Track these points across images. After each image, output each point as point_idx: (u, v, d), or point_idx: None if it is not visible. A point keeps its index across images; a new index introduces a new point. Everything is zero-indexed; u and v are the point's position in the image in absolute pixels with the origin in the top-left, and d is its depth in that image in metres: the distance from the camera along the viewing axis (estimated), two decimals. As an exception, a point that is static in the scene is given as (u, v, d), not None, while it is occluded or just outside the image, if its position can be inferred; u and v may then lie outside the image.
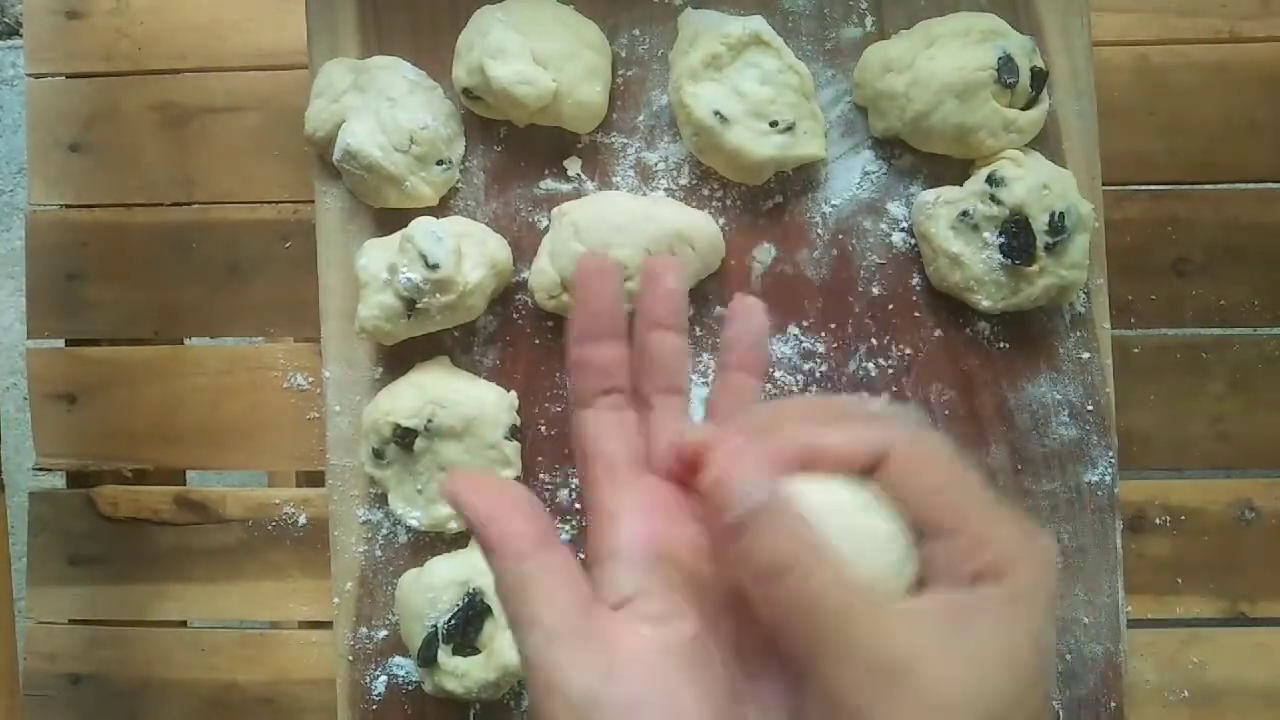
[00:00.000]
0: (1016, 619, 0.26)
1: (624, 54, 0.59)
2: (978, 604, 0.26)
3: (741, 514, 0.27)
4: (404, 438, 0.55)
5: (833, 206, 0.58)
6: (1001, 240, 0.54)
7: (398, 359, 0.58)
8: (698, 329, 0.58)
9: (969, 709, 0.25)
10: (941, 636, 0.26)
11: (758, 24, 0.55)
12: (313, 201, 0.60)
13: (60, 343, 0.70)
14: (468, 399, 0.55)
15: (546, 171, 0.59)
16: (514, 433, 0.56)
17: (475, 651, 0.54)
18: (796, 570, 0.26)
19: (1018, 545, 0.27)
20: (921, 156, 0.58)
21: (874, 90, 0.56)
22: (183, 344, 0.70)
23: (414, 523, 0.56)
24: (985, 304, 0.55)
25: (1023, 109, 0.55)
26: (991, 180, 0.54)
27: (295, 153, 0.67)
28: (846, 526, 0.28)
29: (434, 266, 0.53)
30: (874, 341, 0.57)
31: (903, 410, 0.38)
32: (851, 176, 0.58)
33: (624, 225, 0.54)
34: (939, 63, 0.54)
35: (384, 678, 0.58)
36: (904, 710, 0.25)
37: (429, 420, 0.54)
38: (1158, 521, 0.64)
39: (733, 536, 0.27)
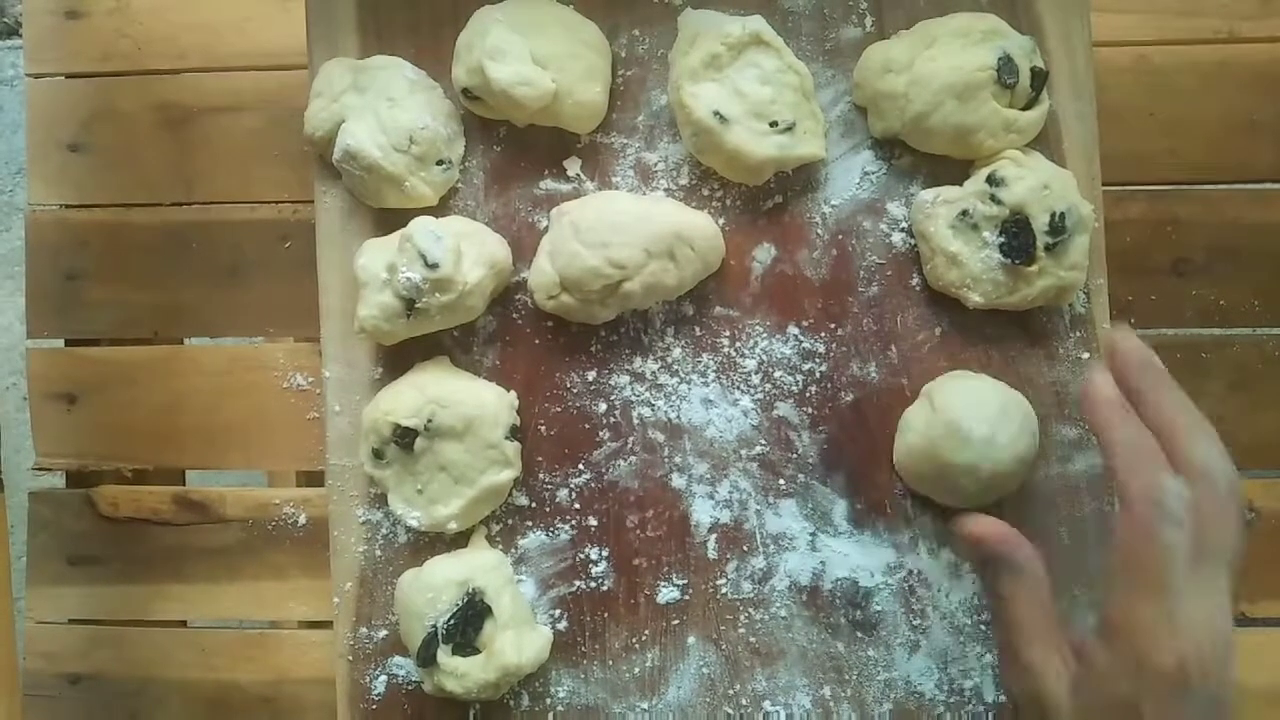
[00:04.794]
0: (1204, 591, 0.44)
1: (624, 54, 0.59)
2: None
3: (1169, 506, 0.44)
4: (404, 437, 0.55)
5: (832, 207, 0.58)
6: (1001, 240, 0.54)
7: (398, 359, 0.58)
8: (697, 329, 0.58)
9: (1205, 652, 0.42)
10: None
11: (757, 24, 0.55)
12: (312, 201, 0.60)
13: (60, 343, 0.70)
14: (468, 399, 0.55)
15: (546, 171, 0.59)
16: (514, 433, 0.56)
17: (475, 651, 0.54)
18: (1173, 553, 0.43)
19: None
20: (921, 157, 0.58)
21: (874, 90, 0.56)
22: (182, 344, 0.70)
23: (414, 523, 0.56)
24: (977, 299, 0.55)
25: (1023, 109, 0.55)
26: (992, 180, 0.54)
27: (295, 153, 0.68)
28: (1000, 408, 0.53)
29: (433, 266, 0.53)
30: (874, 341, 0.57)
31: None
32: (851, 177, 0.58)
33: (623, 225, 0.54)
34: (939, 63, 0.54)
35: (384, 677, 0.58)
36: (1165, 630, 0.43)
37: (429, 420, 0.54)
38: (1157, 522, 0.64)
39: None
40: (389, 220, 0.58)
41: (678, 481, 0.58)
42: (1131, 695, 0.43)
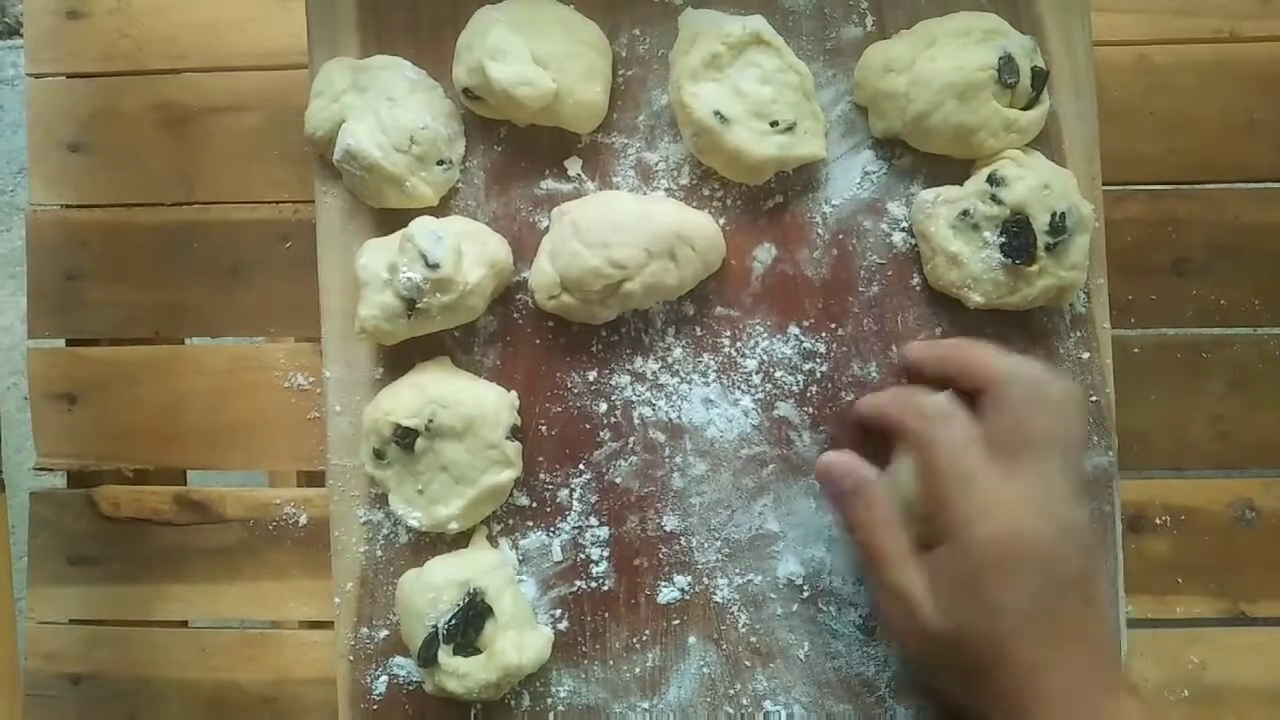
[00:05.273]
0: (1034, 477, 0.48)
1: (624, 54, 0.59)
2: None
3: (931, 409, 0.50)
4: (405, 438, 0.55)
5: (833, 206, 0.58)
6: (1002, 240, 0.54)
7: (398, 359, 0.58)
8: (698, 329, 0.58)
9: (1026, 530, 0.47)
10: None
11: (758, 23, 0.55)
12: (313, 201, 0.60)
13: (61, 343, 0.70)
14: (468, 399, 0.55)
15: (547, 171, 0.59)
16: (515, 433, 0.56)
17: (476, 652, 0.54)
18: (951, 447, 0.48)
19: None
20: (922, 156, 0.58)
21: (874, 90, 0.56)
22: (183, 344, 0.70)
23: (414, 523, 0.56)
24: (977, 299, 0.55)
25: (1023, 109, 0.55)
26: (992, 180, 0.54)
27: (295, 153, 0.68)
28: None
29: (434, 266, 0.53)
30: (874, 341, 0.57)
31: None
32: (852, 176, 0.58)
33: (624, 225, 0.54)
34: (940, 63, 0.54)
35: (385, 678, 0.58)
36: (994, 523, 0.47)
37: (430, 420, 0.54)
38: (1158, 521, 0.64)
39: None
40: (389, 220, 0.58)
41: (678, 481, 0.58)
42: (969, 576, 0.47)
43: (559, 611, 0.58)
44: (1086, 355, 0.57)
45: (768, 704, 0.57)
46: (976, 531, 0.47)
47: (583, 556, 0.58)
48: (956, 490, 0.48)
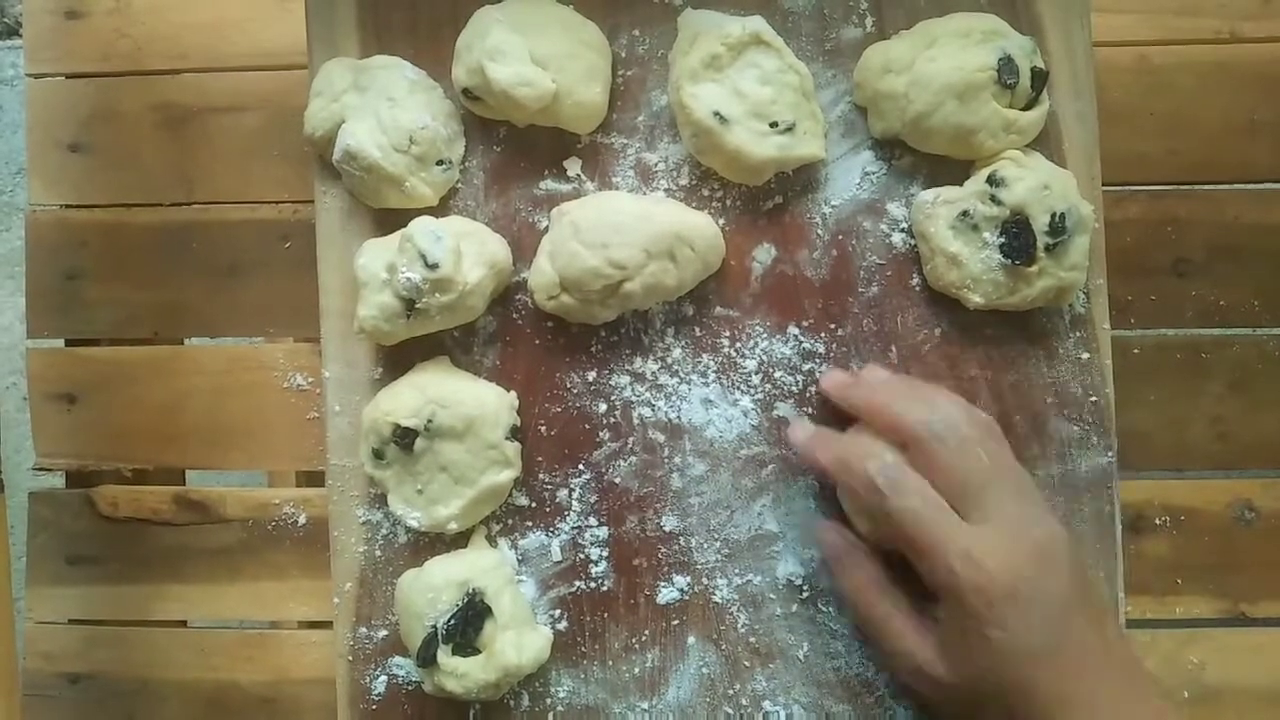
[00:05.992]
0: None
1: (624, 54, 0.59)
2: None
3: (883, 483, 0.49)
4: (404, 438, 0.55)
5: (833, 207, 0.58)
6: (1002, 240, 0.54)
7: (398, 359, 0.58)
8: (697, 329, 0.58)
9: (1013, 565, 0.47)
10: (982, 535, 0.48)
11: (758, 24, 0.55)
12: (312, 201, 0.60)
13: (60, 342, 0.70)
14: (468, 399, 0.55)
15: (546, 172, 0.59)
16: (514, 433, 0.56)
17: (475, 652, 0.54)
18: (917, 514, 0.48)
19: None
20: (921, 157, 0.58)
21: (874, 91, 0.56)
22: (182, 344, 0.70)
23: (414, 523, 0.56)
24: (977, 300, 0.55)
25: (1023, 110, 0.55)
26: (992, 180, 0.54)
27: (295, 153, 0.68)
28: None
29: (433, 266, 0.53)
30: (874, 342, 0.57)
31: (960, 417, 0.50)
32: (851, 177, 0.58)
33: (624, 225, 0.54)
34: (939, 63, 0.54)
35: (384, 678, 0.58)
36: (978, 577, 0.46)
37: (429, 420, 0.54)
38: (1158, 522, 0.64)
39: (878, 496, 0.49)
40: (389, 220, 0.58)
41: (678, 482, 0.58)
42: (972, 627, 0.47)
43: (558, 612, 0.58)
44: (1086, 356, 0.57)
45: (767, 704, 0.57)
46: (964, 583, 0.46)
47: (582, 557, 0.58)
48: (934, 553, 0.47)
